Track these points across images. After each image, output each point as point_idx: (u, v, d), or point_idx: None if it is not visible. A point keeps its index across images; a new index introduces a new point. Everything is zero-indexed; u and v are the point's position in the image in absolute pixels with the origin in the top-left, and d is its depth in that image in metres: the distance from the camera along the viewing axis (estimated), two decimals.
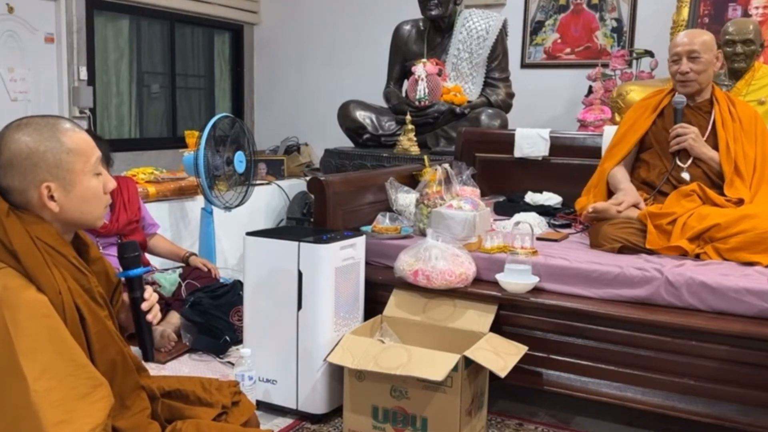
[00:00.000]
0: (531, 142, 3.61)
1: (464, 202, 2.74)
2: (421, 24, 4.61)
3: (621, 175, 2.88)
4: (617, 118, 4.00)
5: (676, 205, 2.63)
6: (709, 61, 2.75)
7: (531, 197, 3.43)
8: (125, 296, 1.52)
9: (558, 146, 3.56)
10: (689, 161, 2.77)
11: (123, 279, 1.51)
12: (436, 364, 2.14)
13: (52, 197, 1.34)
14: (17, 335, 1.21)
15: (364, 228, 2.84)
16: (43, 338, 1.23)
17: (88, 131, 3.15)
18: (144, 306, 1.49)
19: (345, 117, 4.50)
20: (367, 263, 2.65)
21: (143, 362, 1.52)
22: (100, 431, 1.24)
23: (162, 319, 2.95)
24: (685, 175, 2.74)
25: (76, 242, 1.44)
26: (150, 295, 1.52)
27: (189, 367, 2.94)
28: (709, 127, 2.79)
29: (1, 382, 1.21)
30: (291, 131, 6.04)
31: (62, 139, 1.35)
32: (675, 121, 2.79)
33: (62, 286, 1.31)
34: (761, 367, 2.13)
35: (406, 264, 2.54)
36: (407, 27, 4.67)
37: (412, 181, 3.16)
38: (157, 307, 1.53)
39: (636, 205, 2.71)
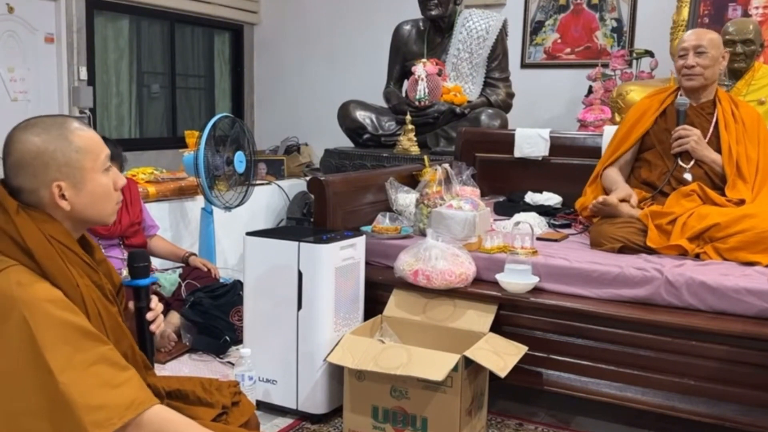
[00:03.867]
0: (531, 142, 3.61)
1: (464, 202, 2.74)
2: (421, 24, 4.61)
3: (615, 175, 2.88)
4: (617, 118, 4.00)
5: (676, 204, 2.63)
6: (715, 58, 2.76)
7: (531, 197, 3.43)
8: (131, 304, 1.52)
9: (558, 146, 3.56)
10: (691, 162, 2.76)
11: (131, 287, 1.51)
12: (436, 364, 2.14)
13: (63, 196, 1.35)
14: (38, 330, 1.22)
15: (364, 228, 2.84)
16: (63, 331, 1.24)
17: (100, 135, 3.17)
18: (149, 316, 1.50)
19: (345, 117, 4.50)
20: (367, 263, 2.65)
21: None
22: (135, 408, 1.25)
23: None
24: (687, 176, 2.73)
25: (82, 243, 1.45)
26: (156, 305, 1.52)
27: (189, 367, 2.94)
28: (711, 129, 2.79)
29: (31, 378, 1.22)
30: (291, 131, 6.04)
31: (71, 138, 1.35)
32: (678, 122, 2.79)
33: (79, 281, 1.32)
34: (761, 367, 2.13)
35: (406, 264, 2.54)
36: (407, 27, 4.67)
37: (412, 181, 3.16)
38: (161, 317, 1.54)
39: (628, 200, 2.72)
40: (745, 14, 4.04)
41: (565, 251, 2.61)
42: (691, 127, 2.75)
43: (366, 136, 4.44)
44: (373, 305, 2.63)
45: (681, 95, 2.85)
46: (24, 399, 1.22)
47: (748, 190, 2.66)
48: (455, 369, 2.14)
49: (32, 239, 1.30)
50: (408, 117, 4.14)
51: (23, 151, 1.33)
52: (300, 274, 2.41)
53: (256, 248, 2.52)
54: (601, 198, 2.76)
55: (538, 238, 2.72)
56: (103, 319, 1.35)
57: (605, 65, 4.65)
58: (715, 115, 2.80)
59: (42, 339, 1.21)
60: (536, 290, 2.45)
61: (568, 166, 3.49)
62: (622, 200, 2.72)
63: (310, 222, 4.28)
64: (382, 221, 2.83)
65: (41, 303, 1.24)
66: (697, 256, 2.49)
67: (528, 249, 2.53)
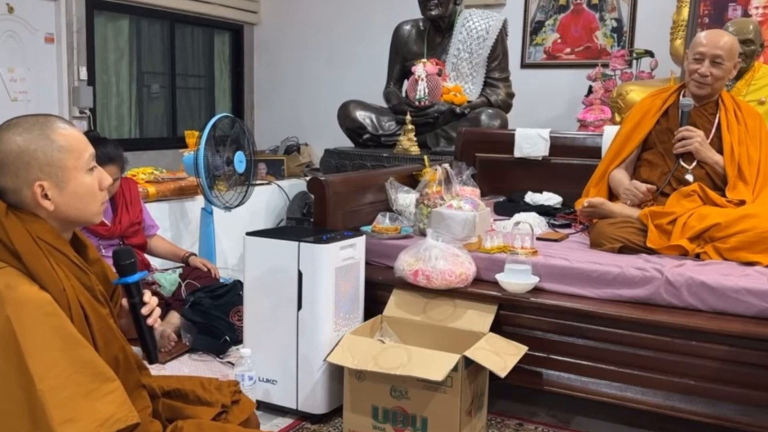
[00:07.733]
0: (531, 142, 3.61)
1: (464, 202, 2.74)
2: (421, 24, 4.61)
3: (622, 176, 2.88)
4: (617, 118, 4.00)
5: (676, 205, 2.63)
6: (729, 69, 2.72)
7: (531, 197, 3.43)
8: (124, 301, 1.51)
9: (558, 146, 3.56)
10: (694, 163, 2.75)
11: (121, 285, 1.50)
12: (436, 364, 2.14)
13: (45, 195, 1.34)
14: (22, 334, 1.21)
15: (364, 228, 2.83)
16: (47, 337, 1.23)
17: (100, 137, 3.16)
18: (144, 310, 1.48)
19: (345, 117, 4.50)
20: (367, 263, 2.65)
21: (144, 361, 1.51)
22: (109, 425, 1.23)
23: (162, 319, 2.95)
24: (689, 177, 2.72)
25: (75, 243, 1.44)
26: (149, 298, 1.51)
27: (189, 367, 2.94)
28: (713, 129, 2.78)
29: (11, 381, 1.21)
30: (291, 131, 6.04)
31: (53, 137, 1.35)
32: (681, 123, 2.76)
33: (66, 283, 1.31)
34: (761, 367, 2.13)
35: (406, 264, 2.54)
36: (407, 27, 4.67)
37: (412, 181, 3.16)
38: (157, 310, 1.52)
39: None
40: (745, 14, 4.03)
41: (565, 251, 2.61)
42: (695, 129, 2.74)
43: (366, 136, 4.45)
44: (373, 305, 2.63)
45: (684, 95, 2.83)
46: (10, 399, 1.21)
47: (748, 191, 2.66)
48: (455, 369, 2.14)
49: (19, 240, 1.29)
50: (408, 117, 4.14)
51: (5, 151, 1.32)
52: (300, 274, 2.41)
53: (256, 248, 2.52)
54: (586, 201, 2.80)
55: (538, 238, 2.72)
56: (91, 322, 1.33)
57: (605, 65, 4.66)
58: (717, 115, 2.79)
59: (25, 343, 1.21)
60: (536, 290, 2.45)
61: (568, 166, 3.49)
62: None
63: (310, 222, 4.28)
64: (382, 221, 2.83)
65: (28, 306, 1.23)
66: (697, 256, 2.48)
67: (528, 249, 2.53)
